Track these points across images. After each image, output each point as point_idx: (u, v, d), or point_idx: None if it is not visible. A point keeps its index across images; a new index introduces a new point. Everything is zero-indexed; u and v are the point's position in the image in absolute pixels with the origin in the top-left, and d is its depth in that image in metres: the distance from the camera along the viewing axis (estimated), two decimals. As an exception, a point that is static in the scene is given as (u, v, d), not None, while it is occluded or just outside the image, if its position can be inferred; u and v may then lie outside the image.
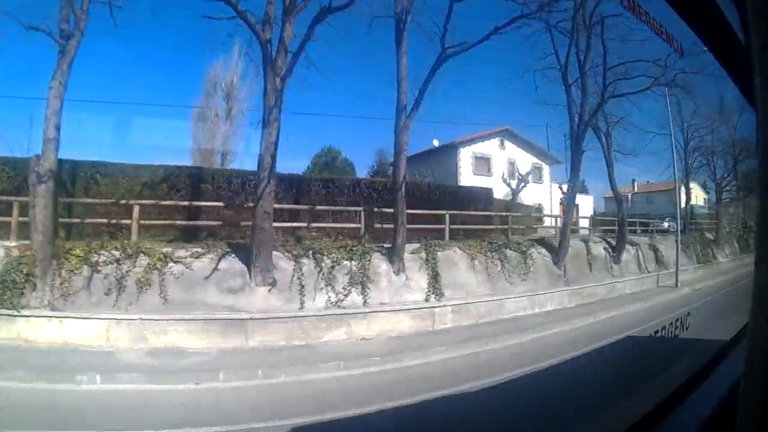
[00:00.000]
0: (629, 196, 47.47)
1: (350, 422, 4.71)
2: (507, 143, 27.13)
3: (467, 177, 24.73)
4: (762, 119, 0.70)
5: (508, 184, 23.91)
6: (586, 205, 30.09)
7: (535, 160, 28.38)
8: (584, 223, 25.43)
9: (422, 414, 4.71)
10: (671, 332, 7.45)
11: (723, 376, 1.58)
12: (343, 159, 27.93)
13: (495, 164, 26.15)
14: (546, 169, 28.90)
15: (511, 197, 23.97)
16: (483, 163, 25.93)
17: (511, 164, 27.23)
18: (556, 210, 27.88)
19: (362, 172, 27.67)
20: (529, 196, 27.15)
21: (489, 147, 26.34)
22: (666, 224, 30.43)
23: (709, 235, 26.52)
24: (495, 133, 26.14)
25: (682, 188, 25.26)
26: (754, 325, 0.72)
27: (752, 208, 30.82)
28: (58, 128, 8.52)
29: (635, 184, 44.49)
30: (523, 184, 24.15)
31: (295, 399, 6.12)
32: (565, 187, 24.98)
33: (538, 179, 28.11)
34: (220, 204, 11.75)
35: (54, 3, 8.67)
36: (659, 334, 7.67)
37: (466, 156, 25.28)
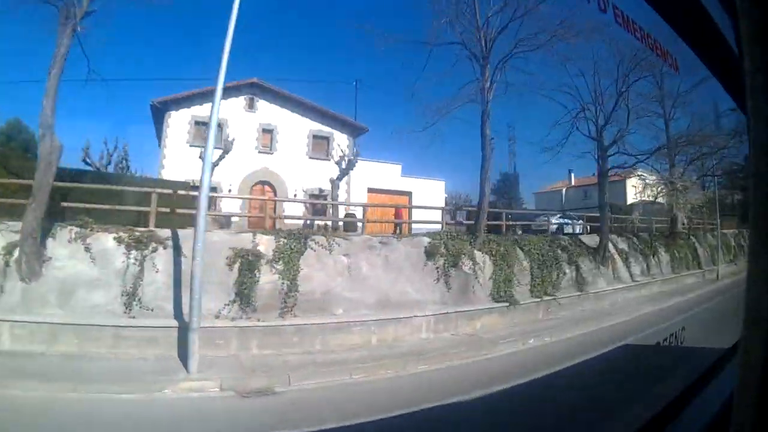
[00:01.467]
0: (564, 191, 32.68)
1: None
2: (261, 103, 15.83)
3: (179, 149, 13.96)
4: (755, 139, 0.60)
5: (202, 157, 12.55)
6: (432, 193, 17.46)
7: (317, 126, 16.63)
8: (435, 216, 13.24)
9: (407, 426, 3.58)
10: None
11: (722, 385, 1.33)
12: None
13: (237, 132, 14.93)
14: (341, 140, 16.93)
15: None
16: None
17: (268, 132, 15.84)
18: (363, 198, 15.81)
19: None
20: (303, 177, 15.45)
21: (226, 108, 15.33)
22: (557, 222, 16.79)
23: (589, 241, 12.73)
24: (234, 88, 14.95)
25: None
26: (746, 337, 0.61)
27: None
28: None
29: (572, 176, 29.75)
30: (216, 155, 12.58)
31: None
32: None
33: (322, 154, 16.27)
34: None
35: None
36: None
37: (180, 121, 14.53)
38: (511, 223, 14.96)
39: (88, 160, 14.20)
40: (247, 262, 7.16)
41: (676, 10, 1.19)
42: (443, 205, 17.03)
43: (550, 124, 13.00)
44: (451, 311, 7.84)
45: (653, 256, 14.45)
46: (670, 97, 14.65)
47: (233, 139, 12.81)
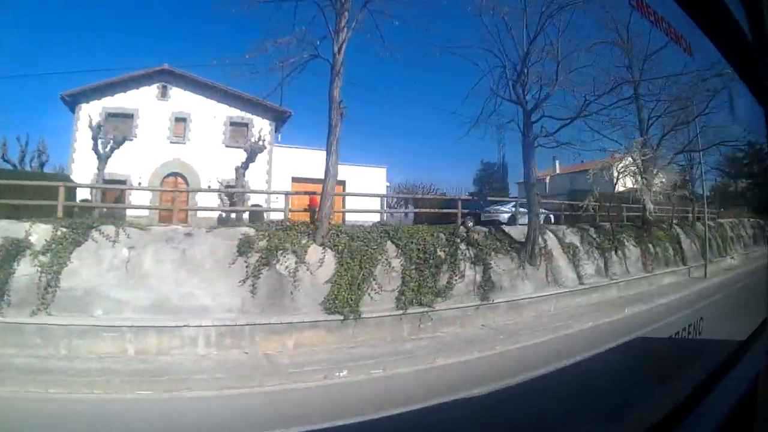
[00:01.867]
0: (547, 179, 28.37)
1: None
2: (175, 90, 14.21)
3: (87, 144, 12.76)
4: None
5: (96, 150, 11.03)
6: (370, 181, 15.06)
7: (236, 112, 14.74)
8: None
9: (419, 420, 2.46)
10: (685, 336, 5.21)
11: (740, 375, 1.26)
12: None
13: (149, 123, 13.42)
14: (263, 126, 14.87)
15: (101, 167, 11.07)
16: (124, 123, 13.51)
17: (181, 121, 14.21)
18: (286, 185, 13.78)
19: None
20: (219, 167, 13.67)
21: (138, 98, 13.84)
22: (508, 210, 13.69)
23: (520, 234, 9.65)
24: (145, 77, 13.36)
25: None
26: None
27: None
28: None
29: (557, 163, 25.56)
30: (106, 144, 10.94)
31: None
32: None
33: (241, 142, 14.35)
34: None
35: None
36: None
37: (91, 113, 13.21)
38: (464, 211, 12.48)
39: (5, 157, 13.38)
40: (6, 252, 5.54)
41: None
42: (384, 193, 14.60)
43: (468, 91, 9.99)
44: (244, 323, 5.63)
45: (616, 252, 11.11)
46: (640, 56, 11.19)
47: (135, 126, 11.27)
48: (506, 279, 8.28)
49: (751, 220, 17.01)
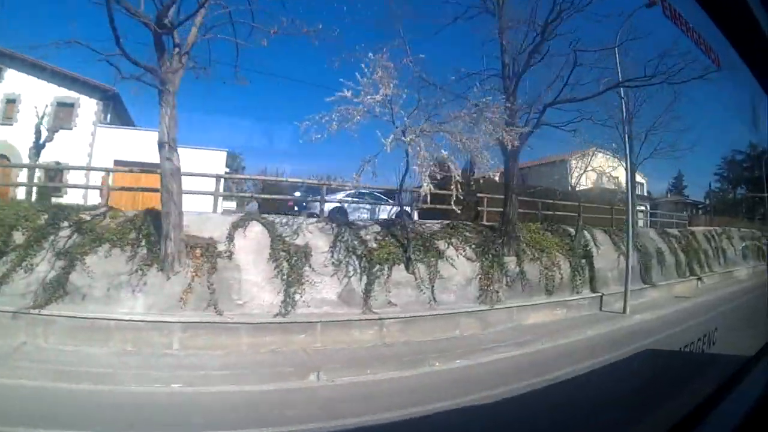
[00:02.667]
0: (498, 176, 21.09)
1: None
2: (10, 72, 13.54)
3: None
4: None
5: None
6: (206, 164, 12.46)
7: (63, 92, 13.36)
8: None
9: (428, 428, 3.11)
10: (700, 348, 4.78)
11: (748, 390, 1.24)
12: None
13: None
14: (90, 107, 13.24)
15: None
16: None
17: (12, 102, 13.39)
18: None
19: None
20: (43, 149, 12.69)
21: None
22: (331, 200, 9.52)
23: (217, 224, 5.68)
24: None
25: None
26: None
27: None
28: None
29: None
30: None
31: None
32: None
33: (67, 123, 12.99)
34: None
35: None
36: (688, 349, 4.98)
37: None
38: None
39: None
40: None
41: None
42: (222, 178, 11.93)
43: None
44: None
45: (408, 266, 6.39)
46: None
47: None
48: (101, 285, 5.08)
49: (743, 230, 9.89)
